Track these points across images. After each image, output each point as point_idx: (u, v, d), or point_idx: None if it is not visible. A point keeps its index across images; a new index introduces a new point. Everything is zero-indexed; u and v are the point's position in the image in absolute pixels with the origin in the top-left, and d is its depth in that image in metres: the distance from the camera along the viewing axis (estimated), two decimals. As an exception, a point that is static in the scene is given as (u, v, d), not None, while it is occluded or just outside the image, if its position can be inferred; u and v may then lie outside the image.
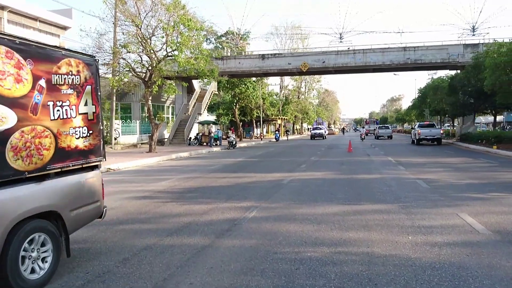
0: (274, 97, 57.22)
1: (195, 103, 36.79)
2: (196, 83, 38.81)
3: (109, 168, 15.50)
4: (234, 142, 29.87)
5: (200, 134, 33.22)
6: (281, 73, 34.50)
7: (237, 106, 44.88)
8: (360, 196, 8.60)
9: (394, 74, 57.44)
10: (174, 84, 22.67)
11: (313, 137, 47.18)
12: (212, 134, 30.41)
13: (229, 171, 14.08)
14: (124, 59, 22.75)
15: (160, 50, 22.89)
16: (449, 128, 46.61)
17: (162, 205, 8.03)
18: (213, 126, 32.54)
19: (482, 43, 29.50)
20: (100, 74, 18.43)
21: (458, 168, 14.17)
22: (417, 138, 29.50)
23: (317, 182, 10.84)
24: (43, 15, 35.09)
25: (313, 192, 9.21)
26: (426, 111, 50.18)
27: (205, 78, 23.74)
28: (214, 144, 30.49)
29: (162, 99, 40.95)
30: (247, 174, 13.09)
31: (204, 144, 32.33)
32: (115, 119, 27.94)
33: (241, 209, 7.44)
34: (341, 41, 33.40)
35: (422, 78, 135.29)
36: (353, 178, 11.56)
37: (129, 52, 21.09)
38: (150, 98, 23.81)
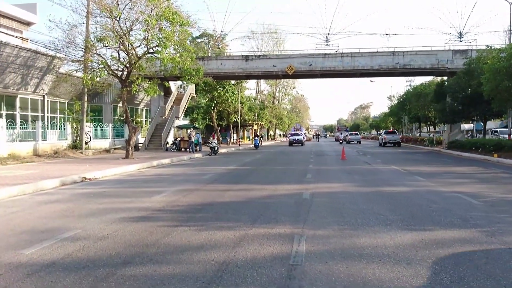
0: (252, 101, 55.47)
1: (172, 106, 34.54)
2: (172, 85, 36.55)
3: (85, 177, 13.25)
4: (216, 148, 27.90)
5: (179, 139, 30.98)
6: (266, 75, 32.97)
7: (215, 110, 42.88)
8: (416, 217, 6.96)
9: (371, 81, 57.16)
10: (155, 84, 20.39)
11: (291, 143, 45.72)
12: (193, 139, 28.31)
13: (229, 182, 12.20)
14: (99, 54, 20.39)
15: (140, 46, 20.74)
16: (429, 135, 46.33)
17: (171, 231, 6.08)
18: (193, 130, 30.38)
19: (471, 49, 29.00)
20: (70, 72, 16.11)
21: (482, 179, 12.88)
22: (383, 142, 40.74)
23: (347, 197, 9.15)
24: (4, 9, 32.07)
25: (354, 211, 7.49)
26: (405, 118, 49.98)
27: (189, 79, 21.66)
28: (194, 150, 28.39)
29: (136, 101, 38.39)
30: (253, 186, 11.24)
31: (183, 149, 30.15)
32: (86, 121, 25.31)
33: (281, 238, 5.61)
34: (327, 44, 32.13)
35: (398, 85, 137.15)
36: (382, 192, 9.95)
37: (106, 46, 18.80)
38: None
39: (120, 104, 36.07)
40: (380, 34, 32.20)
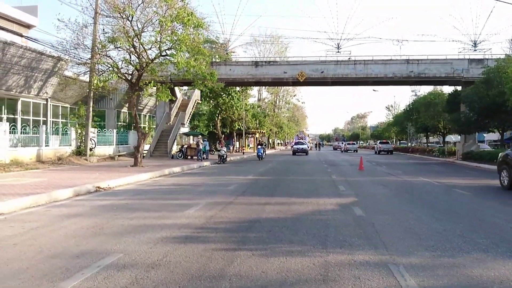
0: (256, 108, 54.49)
1: (177, 112, 33.51)
2: (177, 91, 35.54)
3: (99, 187, 12.18)
4: (225, 156, 26.85)
5: (185, 146, 29.90)
6: (276, 82, 32.05)
7: (219, 117, 41.89)
8: (506, 240, 6.00)
9: (374, 90, 56.51)
10: (167, 89, 19.37)
11: (295, 152, 44.72)
12: (201, 147, 27.26)
13: (260, 194, 11.18)
14: (109, 56, 19.37)
15: (151, 48, 19.77)
16: (439, 146, 45.54)
17: (233, 256, 5.05)
18: (201, 138, 29.34)
19: (488, 58, 28.34)
20: (78, 74, 14.87)
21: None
22: (378, 150, 48.86)
23: (406, 214, 8.17)
24: (5, 11, 31.04)
25: (429, 232, 6.48)
26: (410, 127, 49.19)
27: (202, 83, 20.68)
28: (202, 158, 27.33)
29: (140, 107, 37.39)
30: (291, 199, 10.21)
31: (189, 157, 29.10)
32: (91, 127, 24.21)
33: (374, 268, 4.59)
34: (338, 51, 31.32)
35: (400, 95, 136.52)
36: (439, 208, 9.00)
37: (117, 48, 17.76)
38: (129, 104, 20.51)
39: (123, 110, 35.07)
40: (393, 40, 31.45)
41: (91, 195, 10.97)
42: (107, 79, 18.43)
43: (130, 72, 20.55)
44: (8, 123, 19.49)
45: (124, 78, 19.73)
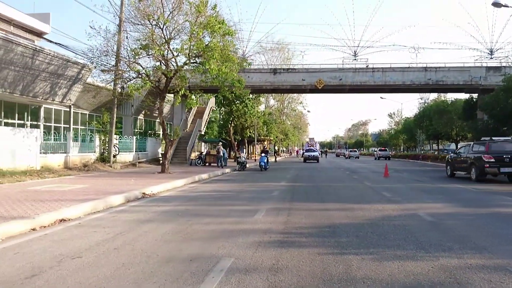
0: (267, 116, 54.61)
1: (193, 119, 33.61)
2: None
3: (144, 193, 12.21)
4: (245, 163, 26.90)
5: (204, 153, 29.94)
6: (294, 89, 32.20)
7: (232, 124, 42.00)
8: None
9: (381, 97, 56.77)
10: (198, 95, 19.49)
11: (306, 159, 44.75)
12: (221, 154, 27.30)
13: (309, 200, 11.22)
14: (138, 63, 19.50)
15: (178, 55, 19.89)
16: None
17: (346, 260, 5.06)
18: (221, 145, 29.39)
19: (505, 66, 28.55)
20: (107, 81, 15.11)
21: None
22: (378, 156, 55.67)
23: (478, 220, 8.22)
24: (17, 18, 31.15)
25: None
26: (420, 135, 49.26)
27: (228, 90, 20.82)
28: (222, 165, 27.35)
29: (155, 114, 37.50)
30: (347, 205, 10.22)
31: (207, 164, 29.14)
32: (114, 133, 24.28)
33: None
34: (355, 59, 31.50)
35: (405, 103, 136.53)
36: (504, 214, 9.07)
37: (150, 55, 17.86)
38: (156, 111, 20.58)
39: (139, 116, 35.15)
40: (409, 48, 31.65)
41: (142, 201, 10.99)
42: (140, 86, 18.52)
43: (157, 79, 20.66)
44: (39, 130, 19.53)
45: (153, 85, 19.83)
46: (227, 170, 25.15)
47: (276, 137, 69.08)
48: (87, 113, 29.21)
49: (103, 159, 23.61)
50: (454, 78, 29.03)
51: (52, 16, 40.38)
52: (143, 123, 35.77)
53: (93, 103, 28.34)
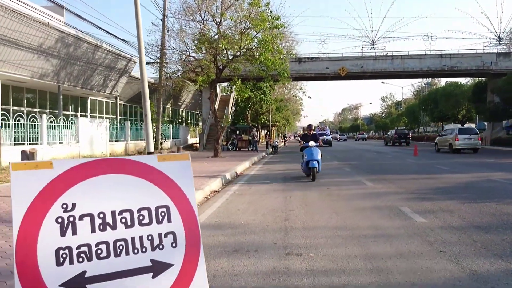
0: (279, 102, 56.44)
1: (218, 107, 35.34)
2: (217, 87, 37.36)
3: (236, 172, 14.17)
4: (278, 147, 28.89)
5: (236, 139, 31.84)
6: (318, 77, 34.07)
7: (250, 112, 43.79)
8: None
9: (382, 82, 58.94)
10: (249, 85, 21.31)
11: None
12: (256, 139, 29.22)
13: (391, 173, 13.23)
14: (193, 57, 21.21)
15: (230, 48, 21.57)
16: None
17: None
18: (255, 130, 31.27)
19: (515, 52, 30.88)
20: (171, 74, 16.84)
21: None
22: (357, 138, 64.30)
23: None
24: (32, 12, 32.01)
25: None
26: (424, 117, 51.76)
27: (271, 79, 22.75)
28: (254, 149, 29.29)
29: (179, 103, 39.14)
30: (431, 175, 12.32)
31: (239, 149, 31.03)
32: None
33: None
34: (373, 47, 33.55)
35: (395, 88, 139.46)
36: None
37: (213, 47, 19.47)
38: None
39: (168, 106, 36.75)
40: (423, 36, 33.69)
41: (247, 178, 12.89)
42: (208, 77, 20.31)
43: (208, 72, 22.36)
44: (108, 120, 21.19)
45: (205, 78, 21.57)
46: (263, 153, 27.06)
47: (283, 123, 71.10)
48: (123, 103, 30.79)
49: (155, 145, 25.38)
50: (467, 64, 31.28)
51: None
52: (170, 112, 37.42)
53: (128, 94, 29.93)
